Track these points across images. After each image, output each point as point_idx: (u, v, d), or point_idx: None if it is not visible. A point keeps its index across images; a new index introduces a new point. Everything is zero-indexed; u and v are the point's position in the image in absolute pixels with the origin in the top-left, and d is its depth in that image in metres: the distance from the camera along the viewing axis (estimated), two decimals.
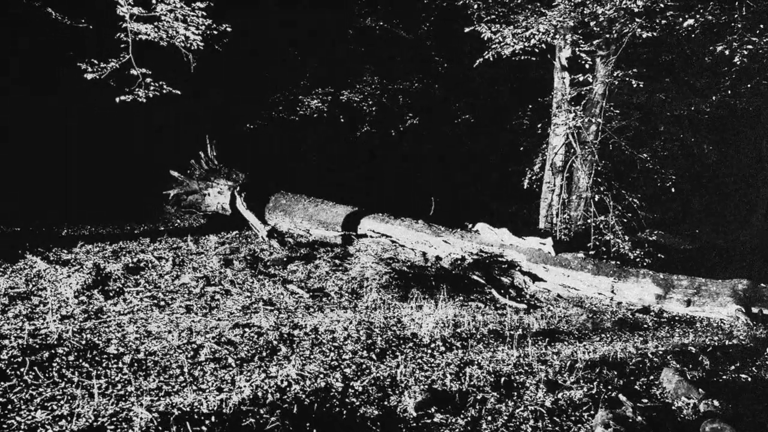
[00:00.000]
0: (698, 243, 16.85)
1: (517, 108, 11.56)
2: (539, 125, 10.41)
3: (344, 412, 3.77)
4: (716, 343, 6.92)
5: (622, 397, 4.28)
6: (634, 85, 8.71)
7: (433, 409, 3.99)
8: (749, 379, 5.78)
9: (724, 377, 5.73)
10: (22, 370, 3.80)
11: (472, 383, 4.57)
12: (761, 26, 5.87)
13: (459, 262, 9.55)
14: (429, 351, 5.43)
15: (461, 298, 8.23)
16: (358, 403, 3.94)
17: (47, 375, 3.80)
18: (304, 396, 3.88)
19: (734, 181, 19.48)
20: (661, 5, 5.77)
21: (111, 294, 5.99)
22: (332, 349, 5.05)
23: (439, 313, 6.81)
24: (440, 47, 11.67)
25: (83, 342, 4.46)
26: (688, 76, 8.92)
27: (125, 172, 10.29)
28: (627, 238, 9.61)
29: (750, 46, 5.84)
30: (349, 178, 11.39)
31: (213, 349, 4.62)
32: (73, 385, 3.68)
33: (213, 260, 7.71)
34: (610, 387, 4.93)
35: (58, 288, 5.85)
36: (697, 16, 5.89)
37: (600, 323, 7.68)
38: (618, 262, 9.17)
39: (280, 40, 10.90)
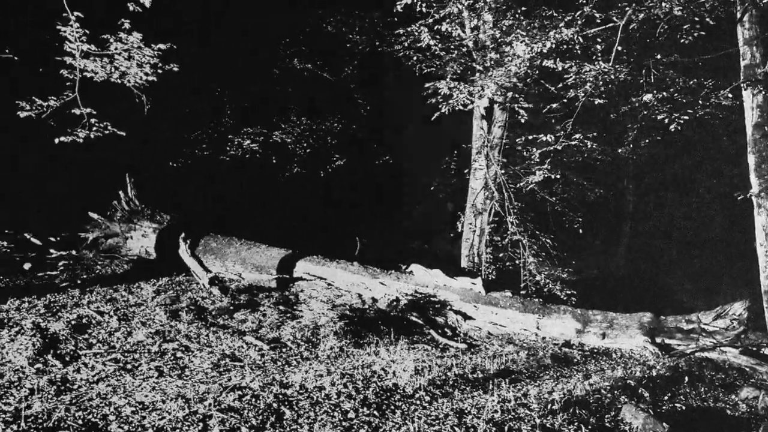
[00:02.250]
0: (577, 275, 18.52)
1: (446, 153, 12.15)
2: (466, 170, 11.01)
3: None
4: (645, 375, 7.68)
5: None
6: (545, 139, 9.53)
7: None
8: (684, 407, 6.52)
9: (665, 408, 6.41)
10: None
11: None
12: (701, 102, 6.87)
13: (395, 303, 9.72)
14: (418, 402, 5.53)
15: (406, 340, 8.38)
16: None
17: None
18: None
19: (606, 216, 21.60)
20: (616, 76, 6.60)
21: (67, 359, 5.44)
22: (333, 407, 4.99)
23: (397, 358, 6.94)
24: (364, 90, 11.99)
25: (80, 421, 4.03)
26: (599, 131, 9.99)
27: (39, 214, 9.32)
28: (543, 275, 10.35)
29: (686, 117, 6.79)
30: (281, 219, 11.18)
31: (221, 418, 4.38)
32: None
33: (158, 312, 7.22)
34: (590, 427, 5.35)
35: (5, 355, 5.20)
36: (654, 91, 6.75)
37: (540, 360, 8.20)
38: (541, 300, 9.85)
39: (210, 79, 10.59)
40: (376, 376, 6.18)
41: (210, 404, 4.64)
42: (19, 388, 4.57)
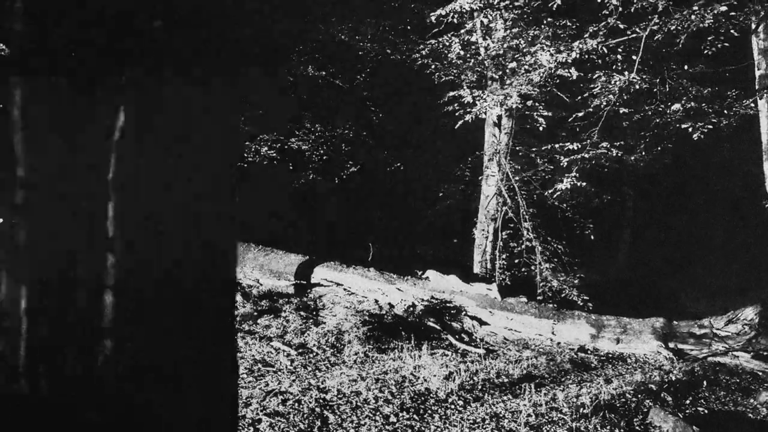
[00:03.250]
0: (582, 281, 18.64)
1: (458, 160, 12.30)
2: (480, 177, 11.14)
3: None
4: (664, 379, 7.80)
5: None
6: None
7: None
8: (706, 411, 6.64)
9: (688, 411, 6.52)
10: None
11: None
12: (725, 112, 7.04)
13: (411, 308, 9.81)
14: (453, 406, 5.61)
15: (427, 346, 8.46)
16: None
17: None
18: None
19: (607, 222, 21.74)
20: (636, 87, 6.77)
21: None
22: (373, 412, 5.07)
23: (423, 363, 7.03)
24: (376, 98, 12.11)
25: None
26: (611, 139, 10.15)
27: None
28: (559, 281, 10.45)
29: (710, 126, 6.95)
30: (296, 226, 11.25)
31: (269, 422, 4.46)
32: None
33: None
34: (622, 431, 5.45)
35: None
36: (683, 101, 6.91)
37: (560, 365, 8.30)
38: (555, 305, 9.97)
39: None
40: (407, 381, 6.26)
41: (256, 408, 4.71)
42: None
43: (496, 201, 11.28)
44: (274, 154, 10.43)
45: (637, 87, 7.00)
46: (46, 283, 0.87)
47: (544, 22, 7.33)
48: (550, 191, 8.36)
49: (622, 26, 6.58)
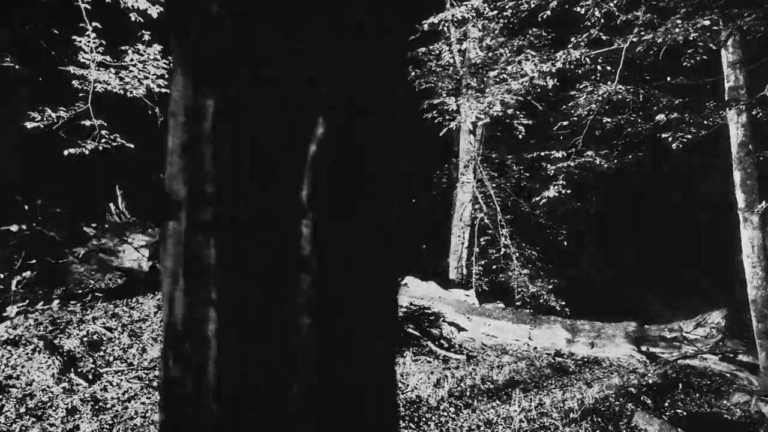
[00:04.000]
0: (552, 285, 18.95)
1: (434, 167, 12.35)
2: (456, 184, 11.22)
3: None
4: (642, 383, 7.99)
5: None
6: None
7: None
8: (685, 413, 6.82)
9: (668, 413, 6.69)
10: None
11: None
12: (704, 123, 7.27)
13: None
14: (446, 414, 5.62)
15: (409, 353, 8.48)
16: None
17: None
18: None
19: (573, 228, 22.16)
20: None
21: (90, 377, 5.29)
22: None
23: (408, 371, 7.03)
24: None
25: None
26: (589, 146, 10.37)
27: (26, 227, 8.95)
28: (537, 286, 10.60)
29: (689, 136, 7.17)
30: None
31: None
32: None
33: None
34: None
35: (28, 374, 5.03)
36: (666, 111, 7.10)
37: (540, 370, 8.42)
38: (531, 310, 10.10)
39: None
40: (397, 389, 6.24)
41: None
42: (54, 408, 4.44)
43: (471, 207, 11.38)
44: None
45: (620, 97, 7.19)
46: (236, 305, 0.83)
47: (530, 32, 7.48)
48: (537, 198, 8.49)
49: (604, 37, 6.77)
